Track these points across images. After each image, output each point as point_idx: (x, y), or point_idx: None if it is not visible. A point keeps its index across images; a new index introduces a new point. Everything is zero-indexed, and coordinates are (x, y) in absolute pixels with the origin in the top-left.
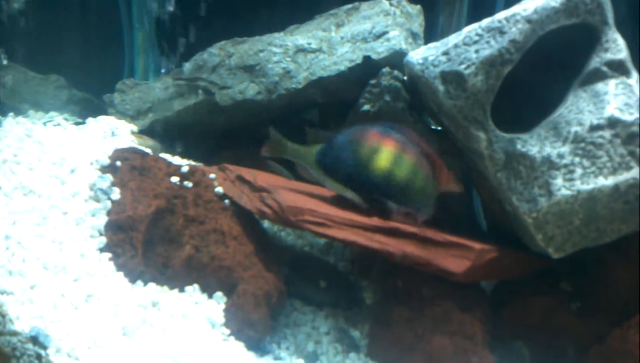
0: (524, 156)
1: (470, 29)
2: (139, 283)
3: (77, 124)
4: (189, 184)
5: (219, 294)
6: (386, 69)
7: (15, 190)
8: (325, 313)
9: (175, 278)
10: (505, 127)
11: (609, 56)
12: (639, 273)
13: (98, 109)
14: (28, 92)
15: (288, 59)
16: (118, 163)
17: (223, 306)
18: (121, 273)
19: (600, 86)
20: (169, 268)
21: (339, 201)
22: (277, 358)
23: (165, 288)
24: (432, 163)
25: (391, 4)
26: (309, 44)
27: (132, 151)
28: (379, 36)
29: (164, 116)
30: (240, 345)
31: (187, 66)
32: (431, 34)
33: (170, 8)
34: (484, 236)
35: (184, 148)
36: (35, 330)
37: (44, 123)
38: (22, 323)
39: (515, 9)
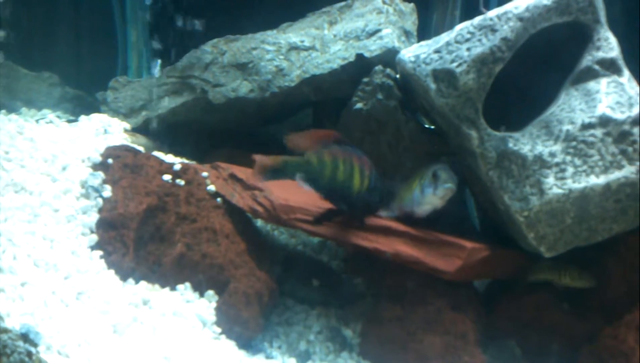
0: (516, 154)
1: (462, 27)
2: (130, 281)
3: (69, 121)
4: (181, 182)
5: (210, 292)
6: (379, 67)
7: (6, 187)
8: (317, 312)
9: (166, 276)
10: (497, 125)
11: (600, 54)
12: (631, 272)
13: (91, 107)
14: (21, 89)
15: (281, 57)
16: (110, 161)
17: (214, 304)
18: (112, 271)
19: (592, 85)
20: (160, 266)
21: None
22: (268, 357)
23: (157, 286)
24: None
25: (384, 2)
26: (302, 42)
27: (124, 148)
28: (371, 34)
29: (157, 114)
30: (231, 344)
31: (180, 64)
32: (425, 32)
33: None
34: (477, 234)
35: (176, 146)
36: (25, 327)
37: (36, 120)
38: (12, 321)
39: (507, 6)
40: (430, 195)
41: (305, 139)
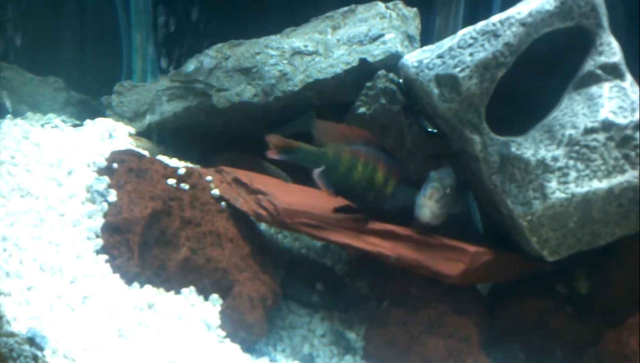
0: (519, 159)
1: (465, 32)
2: (135, 285)
3: (74, 126)
4: (185, 186)
5: (214, 296)
6: (382, 72)
7: (12, 192)
8: (321, 316)
9: (171, 280)
10: (500, 130)
11: (603, 59)
12: (634, 275)
13: (96, 111)
14: (26, 93)
15: (285, 61)
16: (115, 165)
17: (219, 308)
18: (117, 275)
19: (594, 89)
20: (165, 270)
21: (335, 204)
22: (272, 360)
23: (161, 290)
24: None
25: (387, 7)
26: (306, 46)
27: (129, 153)
28: (375, 39)
29: (161, 118)
30: (235, 347)
31: (184, 68)
32: (428, 36)
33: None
34: (480, 238)
35: (181, 150)
36: (32, 331)
37: (42, 125)
38: (19, 325)
39: (509, 12)
40: (421, 197)
41: (332, 130)
